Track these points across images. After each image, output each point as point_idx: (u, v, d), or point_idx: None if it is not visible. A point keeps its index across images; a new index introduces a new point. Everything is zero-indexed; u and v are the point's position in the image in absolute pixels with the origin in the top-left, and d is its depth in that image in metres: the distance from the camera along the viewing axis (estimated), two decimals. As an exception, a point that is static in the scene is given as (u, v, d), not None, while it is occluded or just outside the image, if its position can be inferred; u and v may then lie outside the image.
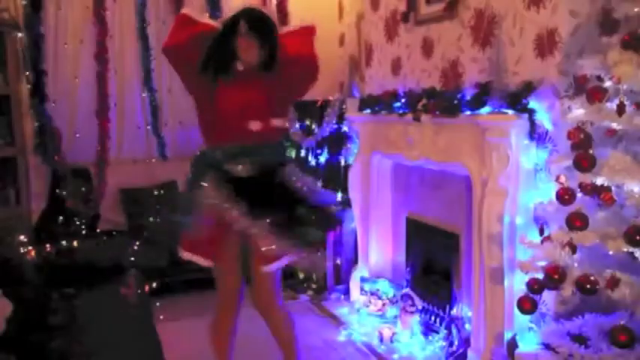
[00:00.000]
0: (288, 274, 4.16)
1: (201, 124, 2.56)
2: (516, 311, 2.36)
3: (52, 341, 2.19)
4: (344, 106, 4.09)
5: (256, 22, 2.40)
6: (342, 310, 3.75)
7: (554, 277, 2.08)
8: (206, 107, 2.51)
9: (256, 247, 2.40)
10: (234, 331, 2.72)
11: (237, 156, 2.44)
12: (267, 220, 2.33)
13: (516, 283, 2.50)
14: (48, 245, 3.69)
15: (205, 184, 2.41)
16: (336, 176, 4.19)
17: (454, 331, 2.97)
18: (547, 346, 2.22)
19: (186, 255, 2.51)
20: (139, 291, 2.95)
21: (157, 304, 3.51)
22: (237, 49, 2.41)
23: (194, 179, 2.49)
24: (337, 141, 4.18)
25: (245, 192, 2.39)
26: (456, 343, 2.95)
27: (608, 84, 2.05)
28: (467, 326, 2.96)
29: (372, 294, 3.58)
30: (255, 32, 2.38)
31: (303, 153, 4.41)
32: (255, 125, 2.43)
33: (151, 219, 4.22)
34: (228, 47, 2.42)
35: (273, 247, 2.35)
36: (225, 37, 2.42)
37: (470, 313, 2.92)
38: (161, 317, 3.39)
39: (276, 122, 2.48)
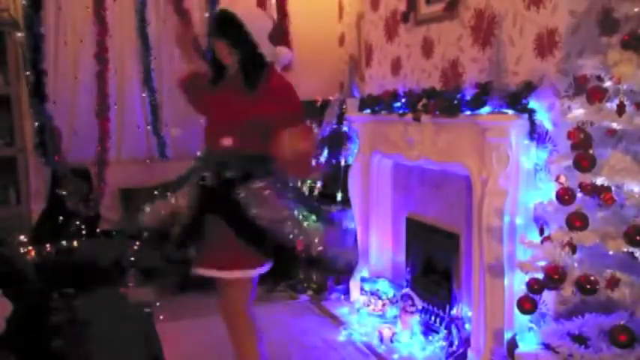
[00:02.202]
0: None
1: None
2: (516, 311, 2.36)
3: (52, 341, 2.19)
4: (344, 106, 4.10)
5: (218, 22, 2.42)
6: (342, 310, 3.75)
7: (554, 277, 2.08)
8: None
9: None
10: None
11: (209, 165, 2.46)
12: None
13: (516, 283, 2.50)
14: (48, 245, 3.70)
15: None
16: (336, 176, 4.19)
17: (454, 331, 2.97)
18: (547, 346, 2.22)
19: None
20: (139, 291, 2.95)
21: (157, 304, 3.51)
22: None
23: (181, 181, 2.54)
24: (337, 141, 4.19)
25: (206, 201, 2.41)
26: (456, 343, 2.95)
27: (608, 84, 2.05)
28: (467, 326, 2.96)
29: (372, 294, 3.58)
30: (219, 33, 2.39)
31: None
32: (226, 141, 2.40)
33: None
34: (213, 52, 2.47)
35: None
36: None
37: (470, 313, 2.92)
38: (161, 317, 3.40)
39: (225, 141, 2.40)
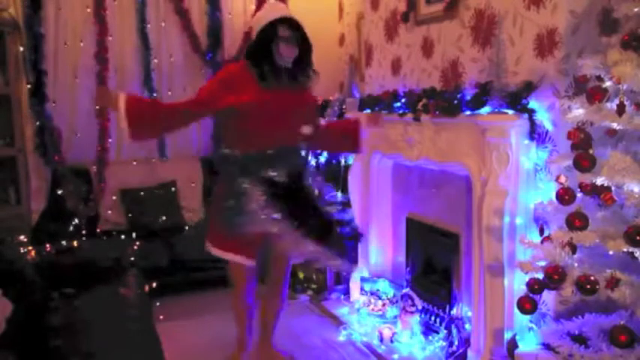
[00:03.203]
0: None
1: (228, 131, 2.72)
2: (516, 311, 2.36)
3: (52, 341, 2.19)
4: (344, 106, 4.09)
5: (299, 31, 2.65)
6: (342, 310, 3.75)
7: (554, 277, 2.08)
8: (239, 114, 2.64)
9: (281, 247, 2.64)
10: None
11: (272, 161, 2.63)
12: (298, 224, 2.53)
13: (516, 283, 2.50)
14: (48, 245, 3.69)
15: (249, 189, 2.58)
16: (336, 176, 4.19)
17: (454, 331, 2.97)
18: (547, 346, 2.22)
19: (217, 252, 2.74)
20: (139, 291, 2.95)
21: (157, 304, 3.51)
22: (275, 53, 2.62)
23: (231, 184, 2.64)
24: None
25: (280, 196, 2.58)
26: (456, 343, 2.95)
27: (608, 84, 2.05)
28: (467, 326, 2.96)
29: (372, 294, 3.58)
30: (299, 41, 2.64)
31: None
32: (306, 129, 2.70)
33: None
34: (268, 53, 2.63)
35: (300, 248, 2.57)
36: (265, 43, 2.63)
37: (470, 313, 2.93)
38: (161, 317, 3.40)
39: (306, 130, 2.70)
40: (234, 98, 2.59)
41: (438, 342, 3.05)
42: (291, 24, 2.64)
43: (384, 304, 3.52)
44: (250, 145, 2.63)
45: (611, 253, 2.01)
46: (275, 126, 2.63)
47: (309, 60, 2.74)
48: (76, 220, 4.25)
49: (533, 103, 2.43)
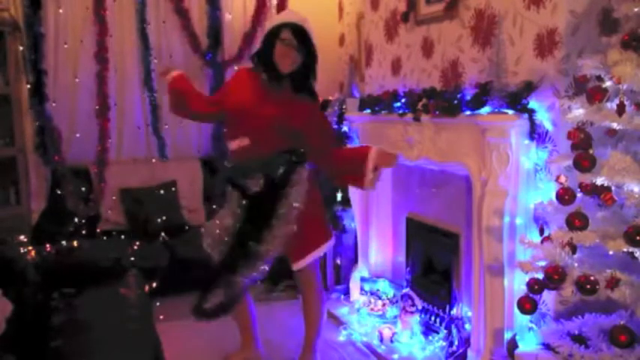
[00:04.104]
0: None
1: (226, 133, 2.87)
2: (516, 311, 2.36)
3: (52, 341, 2.19)
4: (344, 106, 4.09)
5: (302, 36, 2.59)
6: (342, 310, 3.75)
7: (554, 277, 2.08)
8: (229, 117, 2.76)
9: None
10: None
11: (250, 170, 2.62)
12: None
13: (516, 283, 2.50)
14: (48, 245, 3.69)
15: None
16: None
17: (454, 331, 2.97)
18: (547, 346, 2.22)
19: None
20: (139, 291, 2.95)
21: (157, 304, 3.51)
22: (274, 56, 2.60)
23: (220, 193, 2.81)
24: (337, 141, 4.18)
25: (247, 206, 2.62)
26: (456, 343, 2.95)
27: (608, 84, 2.05)
28: (467, 326, 2.96)
29: (372, 294, 3.58)
30: (301, 46, 2.59)
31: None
32: (243, 142, 2.63)
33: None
34: (267, 55, 2.62)
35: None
36: (266, 46, 2.63)
37: (470, 313, 2.93)
38: (161, 317, 3.40)
39: (242, 142, 2.65)
40: (231, 100, 2.70)
41: (438, 342, 3.05)
42: (297, 31, 2.60)
43: (384, 304, 3.52)
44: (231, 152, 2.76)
45: (611, 253, 2.01)
46: (247, 133, 2.64)
47: (311, 71, 2.67)
48: (76, 220, 4.25)
49: (533, 103, 2.43)
